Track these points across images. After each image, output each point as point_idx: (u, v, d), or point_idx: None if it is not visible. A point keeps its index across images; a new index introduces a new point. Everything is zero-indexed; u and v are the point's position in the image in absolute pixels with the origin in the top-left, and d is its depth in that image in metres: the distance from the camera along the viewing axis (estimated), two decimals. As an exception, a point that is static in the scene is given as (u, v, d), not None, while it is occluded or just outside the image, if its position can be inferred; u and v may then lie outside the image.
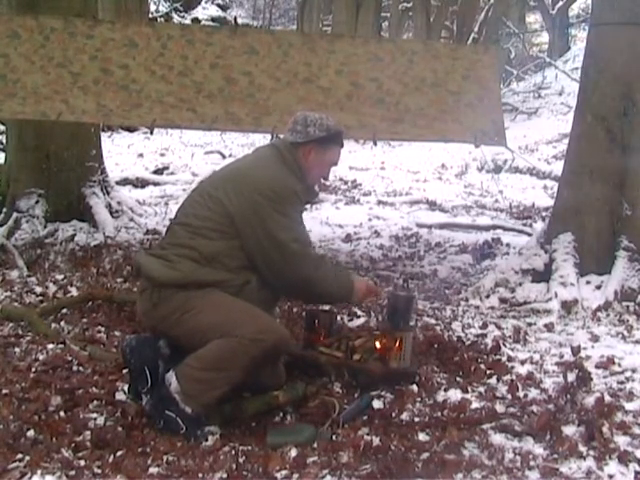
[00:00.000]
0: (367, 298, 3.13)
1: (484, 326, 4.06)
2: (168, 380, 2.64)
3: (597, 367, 3.39)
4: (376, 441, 2.55)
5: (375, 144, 5.69)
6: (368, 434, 2.62)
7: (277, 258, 2.71)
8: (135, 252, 5.56)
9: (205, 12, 20.65)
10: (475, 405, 2.89)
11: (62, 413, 2.74)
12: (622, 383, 3.18)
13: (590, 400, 2.90)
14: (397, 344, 3.03)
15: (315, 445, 2.55)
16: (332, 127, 2.90)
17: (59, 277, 4.91)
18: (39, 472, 2.31)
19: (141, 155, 11.89)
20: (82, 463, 2.40)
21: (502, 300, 4.63)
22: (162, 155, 12.05)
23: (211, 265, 2.69)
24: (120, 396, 2.93)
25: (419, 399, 2.96)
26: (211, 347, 2.59)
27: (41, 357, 3.37)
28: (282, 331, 2.73)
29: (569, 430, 2.64)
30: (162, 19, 18.63)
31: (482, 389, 3.10)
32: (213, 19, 19.86)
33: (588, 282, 4.56)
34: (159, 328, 2.79)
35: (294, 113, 2.95)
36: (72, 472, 2.33)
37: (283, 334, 2.71)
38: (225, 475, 2.36)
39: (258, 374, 2.83)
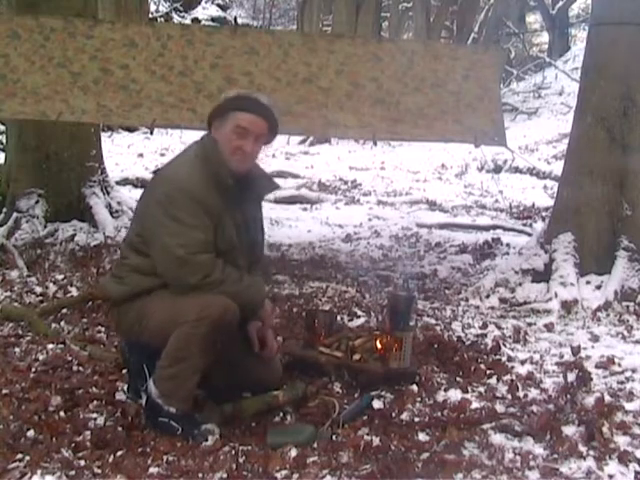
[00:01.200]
0: (270, 319, 2.95)
1: (484, 326, 4.06)
2: (150, 389, 2.65)
3: (597, 367, 3.39)
4: (376, 441, 2.55)
5: (375, 144, 5.69)
6: (368, 434, 2.62)
7: (165, 264, 2.62)
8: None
9: (205, 12, 20.64)
10: (475, 405, 2.89)
11: (62, 413, 2.74)
12: (622, 383, 3.19)
13: (590, 400, 2.90)
14: (397, 344, 3.03)
15: (315, 445, 2.54)
16: (229, 95, 2.72)
17: (59, 277, 4.91)
18: (39, 472, 2.31)
19: (141, 155, 11.90)
20: (82, 463, 2.39)
21: (502, 300, 4.63)
22: (162, 155, 12.06)
23: (152, 274, 2.67)
24: (120, 396, 2.93)
25: (419, 399, 2.96)
26: (169, 342, 2.59)
27: (41, 357, 3.37)
28: (225, 302, 2.59)
29: (569, 430, 2.64)
30: (162, 19, 18.62)
31: (482, 389, 3.10)
32: (213, 19, 19.85)
33: (588, 282, 4.56)
34: (132, 340, 2.82)
35: (294, 113, 2.92)
36: (72, 472, 2.33)
37: (226, 305, 2.59)
38: (225, 475, 2.36)
39: (254, 371, 2.84)
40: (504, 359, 3.48)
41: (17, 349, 3.50)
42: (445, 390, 3.05)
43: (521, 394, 3.03)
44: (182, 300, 2.61)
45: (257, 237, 2.89)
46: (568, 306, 4.37)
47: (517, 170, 10.63)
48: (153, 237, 2.64)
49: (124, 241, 2.92)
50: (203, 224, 2.61)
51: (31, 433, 2.55)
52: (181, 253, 2.57)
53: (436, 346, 3.53)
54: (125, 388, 2.95)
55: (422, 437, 2.61)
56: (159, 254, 2.63)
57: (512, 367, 3.37)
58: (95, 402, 2.86)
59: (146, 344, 2.75)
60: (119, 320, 2.81)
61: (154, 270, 2.66)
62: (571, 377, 3.13)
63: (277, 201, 8.29)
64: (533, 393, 3.05)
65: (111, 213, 6.55)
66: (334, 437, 2.61)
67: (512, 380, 3.18)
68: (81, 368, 3.24)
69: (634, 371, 3.32)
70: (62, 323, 3.96)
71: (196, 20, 19.27)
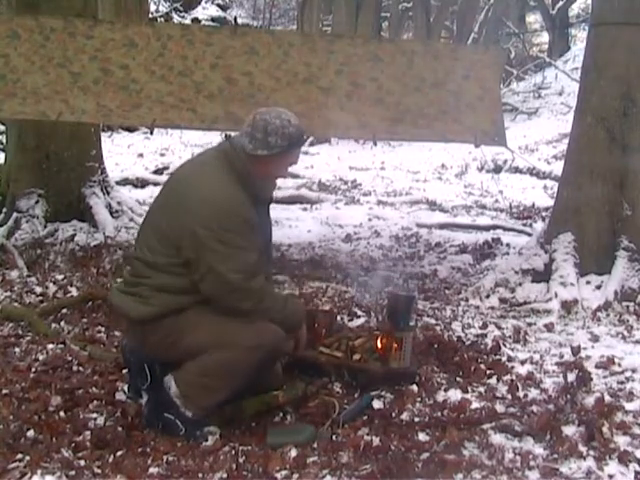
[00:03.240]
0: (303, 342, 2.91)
1: (484, 326, 4.06)
2: (167, 384, 2.63)
3: (597, 367, 3.39)
4: (376, 441, 2.55)
5: (375, 144, 5.69)
6: (368, 434, 2.62)
7: (217, 291, 2.57)
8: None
9: (205, 12, 20.63)
10: (475, 405, 2.89)
11: (62, 413, 2.74)
12: (622, 383, 3.19)
13: (590, 400, 2.91)
14: (397, 344, 3.03)
15: (315, 445, 2.55)
16: (294, 134, 2.64)
17: (59, 277, 4.90)
18: (39, 472, 2.31)
19: (141, 155, 11.90)
20: (82, 463, 2.40)
21: (502, 300, 4.63)
22: (162, 155, 12.06)
23: (183, 293, 2.61)
24: (120, 396, 2.93)
25: (419, 399, 2.96)
26: (212, 355, 2.56)
27: (41, 357, 3.38)
28: (278, 332, 2.64)
29: (569, 430, 2.64)
30: (162, 19, 18.62)
31: (482, 389, 3.10)
32: (213, 19, 19.85)
33: (588, 282, 4.56)
34: (155, 357, 2.74)
35: (294, 113, 2.86)
36: (72, 472, 2.33)
37: (279, 335, 2.65)
38: (225, 475, 2.36)
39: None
40: (504, 359, 3.48)
41: (17, 349, 3.50)
42: (445, 390, 3.05)
43: (521, 394, 3.03)
44: (230, 322, 2.59)
45: (269, 238, 2.92)
46: (568, 306, 4.37)
47: (517, 170, 10.62)
48: (201, 262, 2.53)
49: (135, 258, 2.73)
50: (253, 244, 2.60)
51: (31, 433, 2.56)
52: (235, 279, 2.54)
53: (436, 346, 3.53)
54: (125, 388, 2.95)
55: (422, 437, 2.61)
56: (210, 280, 2.55)
57: (512, 367, 3.37)
58: (95, 402, 2.87)
59: (169, 359, 2.68)
60: (144, 339, 2.67)
61: (185, 289, 2.59)
62: (571, 377, 3.13)
63: (277, 201, 8.25)
64: (533, 393, 3.06)
65: (111, 213, 6.55)
66: (334, 437, 2.61)
67: (512, 380, 3.18)
68: (81, 368, 3.24)
69: (634, 371, 3.32)
70: (62, 323, 3.96)
71: (196, 20, 19.27)
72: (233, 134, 2.80)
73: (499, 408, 2.88)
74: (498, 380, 3.19)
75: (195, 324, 2.60)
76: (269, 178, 2.76)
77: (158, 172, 10.40)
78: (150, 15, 17.08)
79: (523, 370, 3.33)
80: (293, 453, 2.48)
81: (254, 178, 2.65)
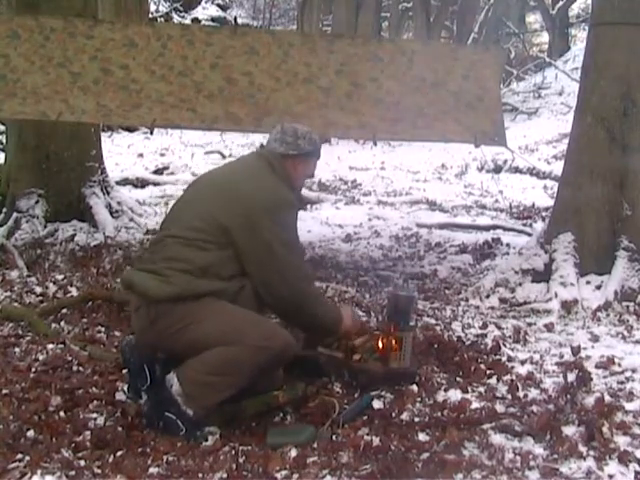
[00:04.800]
0: (353, 330, 3.09)
1: (484, 326, 4.06)
2: (169, 382, 2.63)
3: (597, 367, 3.39)
4: (376, 441, 2.55)
5: (375, 144, 5.69)
6: (368, 434, 2.62)
7: (274, 271, 2.70)
8: (135, 252, 5.57)
9: (205, 12, 20.65)
10: (475, 405, 2.89)
11: (62, 413, 2.74)
12: (622, 383, 3.18)
13: (590, 400, 2.90)
14: (397, 344, 3.03)
15: (315, 445, 2.55)
16: (318, 141, 3.02)
17: (59, 277, 4.90)
18: (39, 472, 2.31)
19: (141, 155, 11.90)
20: (82, 463, 2.40)
21: (502, 300, 4.63)
22: (162, 155, 12.07)
23: (205, 276, 2.63)
24: (120, 396, 2.93)
25: (419, 399, 2.96)
26: (216, 352, 2.56)
27: (41, 357, 3.38)
28: (287, 337, 2.67)
29: (569, 430, 2.64)
30: (162, 19, 18.64)
31: (482, 389, 3.10)
32: (213, 19, 19.87)
33: (588, 282, 4.56)
34: (157, 343, 2.73)
35: (294, 113, 2.98)
36: (72, 472, 2.33)
37: (288, 340, 2.67)
38: (225, 475, 2.36)
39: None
40: (504, 359, 3.48)
41: (17, 349, 3.50)
42: (445, 390, 3.05)
43: (521, 394, 3.03)
44: (242, 319, 2.63)
45: None
46: (568, 306, 4.37)
47: (517, 170, 10.62)
48: (255, 245, 2.68)
49: (167, 237, 2.75)
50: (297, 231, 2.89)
51: (31, 433, 2.56)
52: (294, 261, 2.77)
53: (436, 346, 3.53)
54: (125, 388, 2.95)
55: (422, 437, 2.61)
56: (269, 261, 2.70)
57: (512, 367, 3.37)
58: (95, 402, 2.87)
59: (171, 351, 2.70)
60: (156, 319, 2.64)
61: (204, 273, 2.63)
62: (571, 377, 3.13)
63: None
64: (533, 393, 3.05)
65: (111, 213, 6.55)
66: (334, 437, 2.61)
67: (512, 380, 3.18)
68: (81, 368, 3.24)
69: (634, 371, 3.32)
70: (62, 323, 3.96)
71: (196, 20, 19.29)
72: (264, 143, 3.05)
73: (499, 408, 2.87)
74: (498, 380, 3.19)
75: (204, 318, 2.60)
76: (297, 184, 3.00)
77: (158, 172, 10.41)
78: (150, 15, 17.10)
79: (523, 370, 3.33)
80: (293, 453, 2.48)
81: (291, 180, 2.90)
